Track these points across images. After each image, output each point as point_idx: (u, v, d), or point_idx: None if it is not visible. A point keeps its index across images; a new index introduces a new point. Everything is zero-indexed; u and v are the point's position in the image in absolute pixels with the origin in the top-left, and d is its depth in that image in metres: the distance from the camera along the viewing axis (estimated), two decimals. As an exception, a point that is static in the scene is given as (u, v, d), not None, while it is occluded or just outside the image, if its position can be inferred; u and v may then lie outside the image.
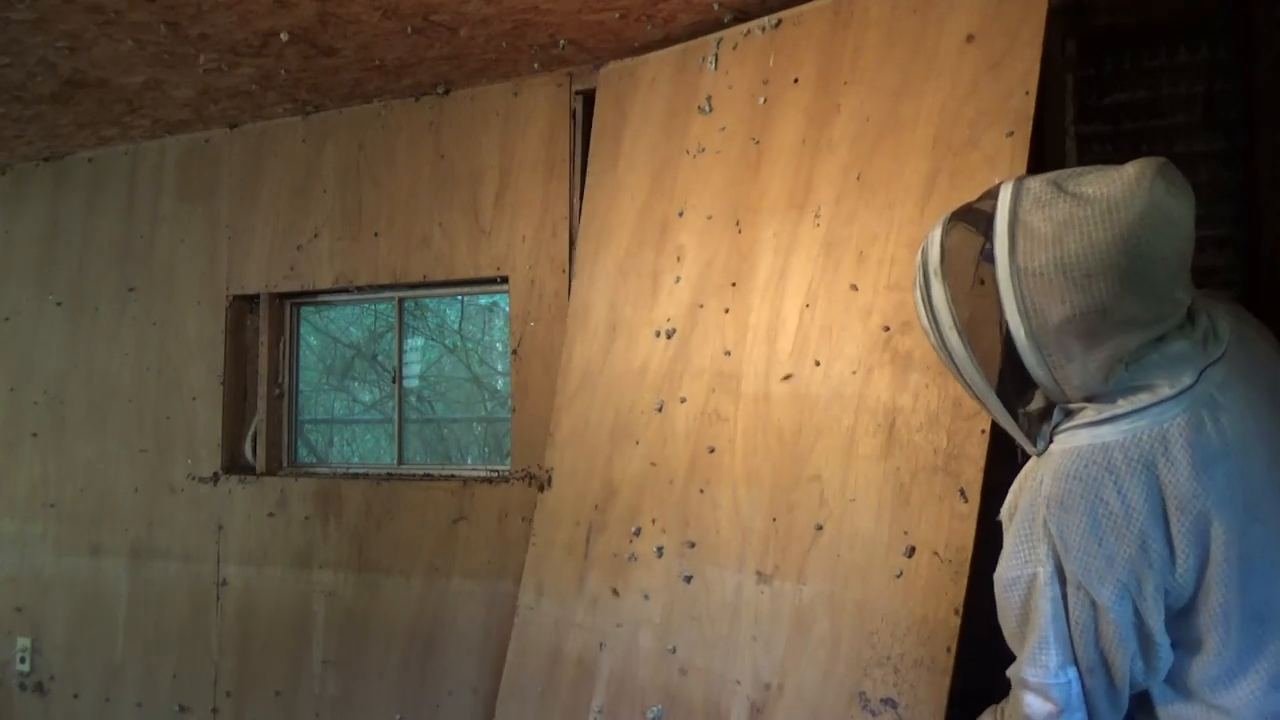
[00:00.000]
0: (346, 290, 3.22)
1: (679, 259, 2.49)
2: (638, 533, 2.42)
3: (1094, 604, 1.22)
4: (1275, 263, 2.39)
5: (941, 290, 1.31)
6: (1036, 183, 1.25)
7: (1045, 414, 1.32)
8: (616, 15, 2.46)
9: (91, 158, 3.61)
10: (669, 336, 2.47)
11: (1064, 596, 1.24)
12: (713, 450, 2.31)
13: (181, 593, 3.32)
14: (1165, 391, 1.21)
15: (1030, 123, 1.83)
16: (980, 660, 1.82)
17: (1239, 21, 2.46)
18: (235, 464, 3.33)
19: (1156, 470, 1.20)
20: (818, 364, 2.12)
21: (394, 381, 3.39)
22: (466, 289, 3.21)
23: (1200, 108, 2.51)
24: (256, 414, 3.35)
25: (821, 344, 2.12)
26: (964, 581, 1.75)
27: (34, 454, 3.62)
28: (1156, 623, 1.22)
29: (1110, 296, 1.17)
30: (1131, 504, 1.20)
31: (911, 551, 1.85)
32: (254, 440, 3.34)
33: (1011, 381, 1.30)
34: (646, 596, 2.36)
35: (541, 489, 2.70)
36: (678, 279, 2.48)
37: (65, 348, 3.60)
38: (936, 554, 1.81)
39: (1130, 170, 1.20)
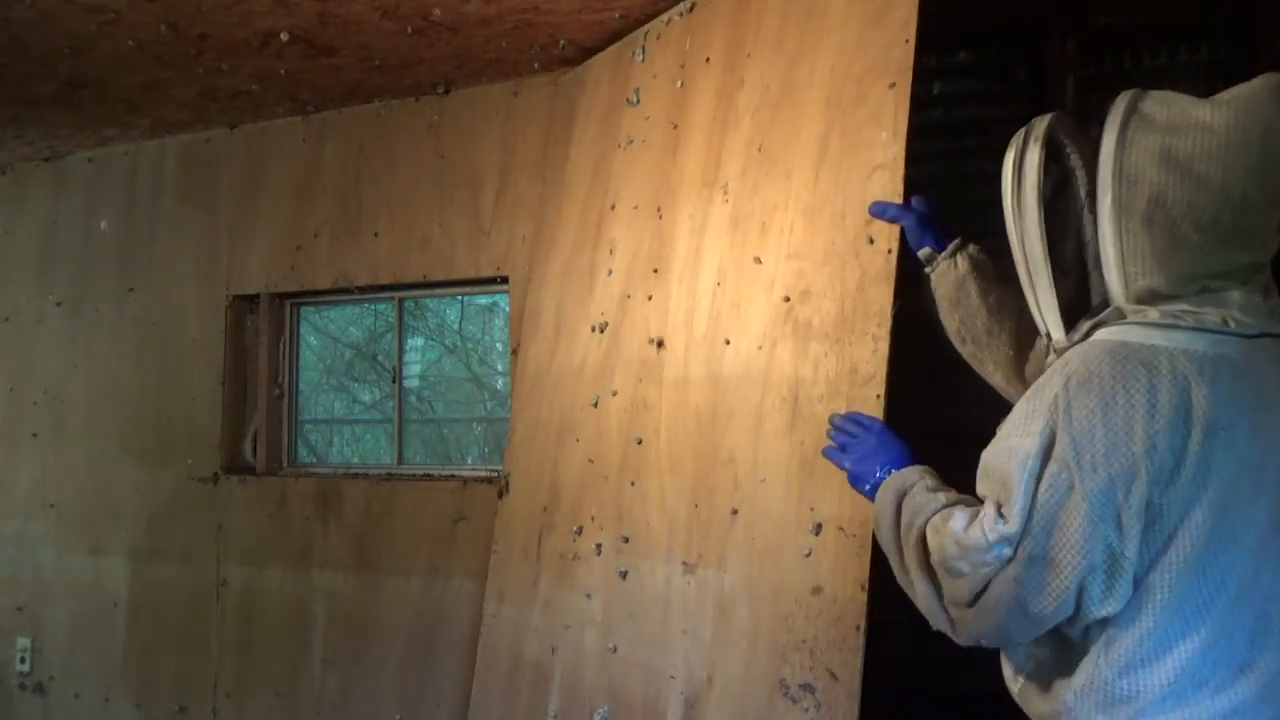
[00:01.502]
0: (346, 290, 3.22)
1: (611, 252, 2.45)
2: (579, 532, 2.38)
3: (1071, 489, 1.13)
4: (1276, 262, 2.39)
5: (1037, 154, 1.34)
6: (1158, 92, 1.29)
7: (1091, 313, 1.27)
8: (616, 15, 2.46)
9: (91, 158, 3.61)
10: (602, 331, 2.42)
11: (1039, 476, 1.16)
12: (640, 441, 2.23)
13: (181, 593, 3.31)
14: (1232, 325, 1.17)
15: (910, 72, 1.75)
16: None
17: (1239, 21, 2.46)
18: (235, 464, 3.33)
19: (1192, 390, 1.13)
20: (728, 342, 2.04)
21: (394, 381, 3.39)
22: (466, 289, 3.21)
23: (1200, 108, 2.50)
24: (256, 414, 3.35)
25: (731, 322, 2.05)
26: (868, 556, 1.65)
27: (34, 454, 3.62)
28: (1131, 539, 1.12)
29: (1206, 195, 1.16)
30: (1158, 406, 1.12)
31: (819, 529, 1.76)
32: (254, 440, 3.34)
33: (1072, 276, 1.31)
34: (589, 596, 2.31)
35: (500, 495, 2.70)
36: (610, 272, 2.44)
37: (65, 348, 3.60)
38: (841, 529, 1.72)
39: (1256, 83, 1.22)
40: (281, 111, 3.22)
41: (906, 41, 1.77)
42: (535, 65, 2.82)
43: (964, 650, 1.32)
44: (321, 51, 2.68)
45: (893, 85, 1.78)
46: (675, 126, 2.32)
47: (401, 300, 3.33)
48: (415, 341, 7.92)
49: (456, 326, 7.83)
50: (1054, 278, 1.29)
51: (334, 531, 3.10)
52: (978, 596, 1.20)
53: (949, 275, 1.61)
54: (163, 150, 3.49)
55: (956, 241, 1.62)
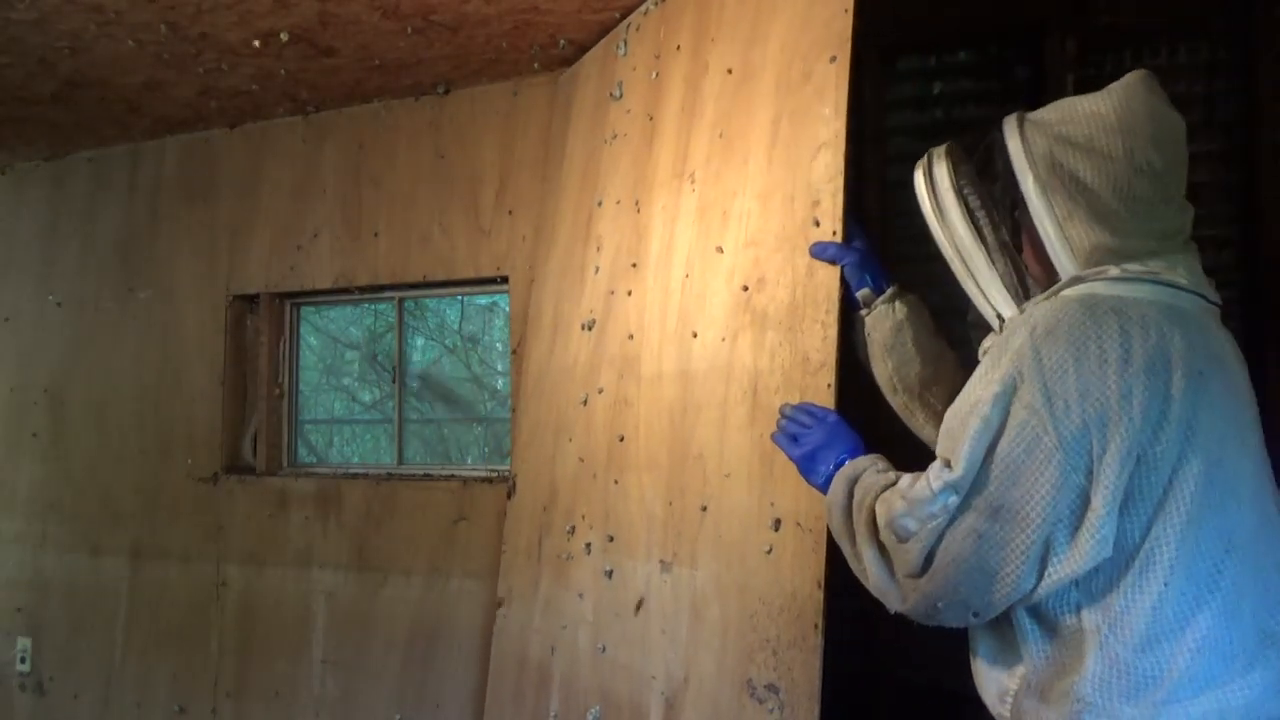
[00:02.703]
0: (346, 290, 3.22)
1: (598, 249, 2.43)
2: (572, 531, 2.37)
3: (1040, 437, 1.08)
4: (1275, 263, 2.39)
5: (945, 164, 1.42)
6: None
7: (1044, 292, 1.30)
8: (617, 15, 2.46)
9: (91, 158, 3.61)
10: (590, 329, 2.40)
11: (999, 426, 1.11)
12: (622, 439, 2.20)
13: (181, 593, 3.31)
14: (1183, 281, 1.21)
15: (849, 44, 1.69)
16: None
17: (1239, 21, 2.46)
18: (235, 464, 3.33)
19: (1168, 336, 1.12)
20: (695, 335, 2.00)
21: (394, 381, 3.39)
22: (466, 289, 3.21)
23: (1200, 108, 2.51)
24: (256, 414, 3.35)
25: (698, 314, 2.00)
26: (824, 553, 1.60)
27: (34, 454, 3.62)
28: (1101, 490, 1.06)
29: (1115, 165, 1.23)
30: (1132, 352, 1.09)
31: (778, 524, 1.71)
32: (254, 440, 3.34)
33: (1000, 267, 1.38)
34: (581, 596, 2.30)
35: (509, 495, 2.70)
36: (596, 269, 2.42)
37: (65, 348, 3.60)
38: (799, 524, 1.67)
39: (1128, 77, 1.31)
40: (281, 111, 3.22)
41: (846, 11, 1.71)
42: (535, 65, 2.82)
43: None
44: (321, 51, 2.68)
45: (834, 59, 1.71)
46: (651, 118, 2.30)
47: (401, 300, 3.33)
48: (415, 341, 7.92)
49: (456, 326, 7.84)
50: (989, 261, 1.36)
51: (334, 531, 3.10)
52: (929, 559, 1.14)
53: (886, 320, 1.58)
54: (163, 150, 3.48)
55: (895, 287, 1.60)
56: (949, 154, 1.45)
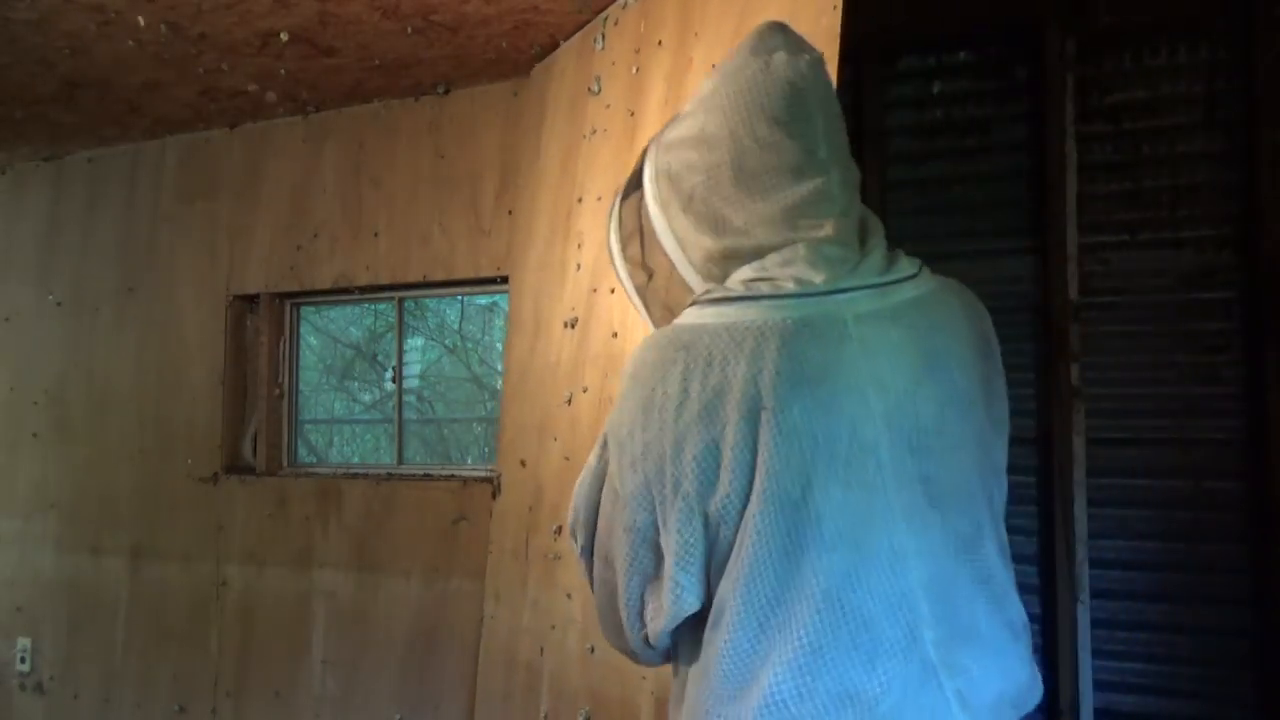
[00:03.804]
0: (346, 290, 3.22)
1: (580, 246, 2.42)
2: (558, 531, 2.36)
3: (618, 490, 1.03)
4: (1275, 263, 2.39)
5: (615, 202, 1.22)
6: None
7: None
8: (616, 15, 2.46)
9: (91, 158, 3.61)
10: (573, 327, 2.40)
11: (602, 474, 1.07)
12: None
13: (181, 593, 3.31)
14: (788, 286, 1.00)
15: (837, 40, 1.66)
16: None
17: (1239, 21, 2.46)
18: (235, 464, 3.33)
19: (730, 367, 0.97)
20: None
21: (394, 381, 3.39)
22: (466, 289, 3.21)
23: (1200, 108, 2.51)
24: (256, 414, 3.35)
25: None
26: None
27: (34, 454, 3.62)
28: (673, 548, 0.98)
29: (715, 152, 1.05)
30: (688, 397, 0.97)
31: None
32: (254, 440, 3.34)
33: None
34: (569, 595, 2.30)
35: (494, 495, 2.69)
36: (578, 266, 2.41)
37: (65, 348, 3.60)
38: None
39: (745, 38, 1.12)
40: (281, 111, 3.22)
41: (835, 8, 1.69)
42: (536, 65, 2.82)
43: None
44: (321, 51, 2.68)
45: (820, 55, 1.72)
46: (632, 113, 2.29)
47: (401, 300, 3.33)
48: (415, 341, 7.91)
49: (456, 326, 7.83)
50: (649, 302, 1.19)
51: (334, 531, 3.10)
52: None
53: None
54: (163, 150, 3.48)
55: None
56: (620, 206, 1.22)
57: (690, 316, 1.03)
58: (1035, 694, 1.05)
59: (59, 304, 3.62)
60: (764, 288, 1.01)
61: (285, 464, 3.35)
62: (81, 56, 2.66)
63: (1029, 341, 2.63)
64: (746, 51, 1.08)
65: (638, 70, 2.29)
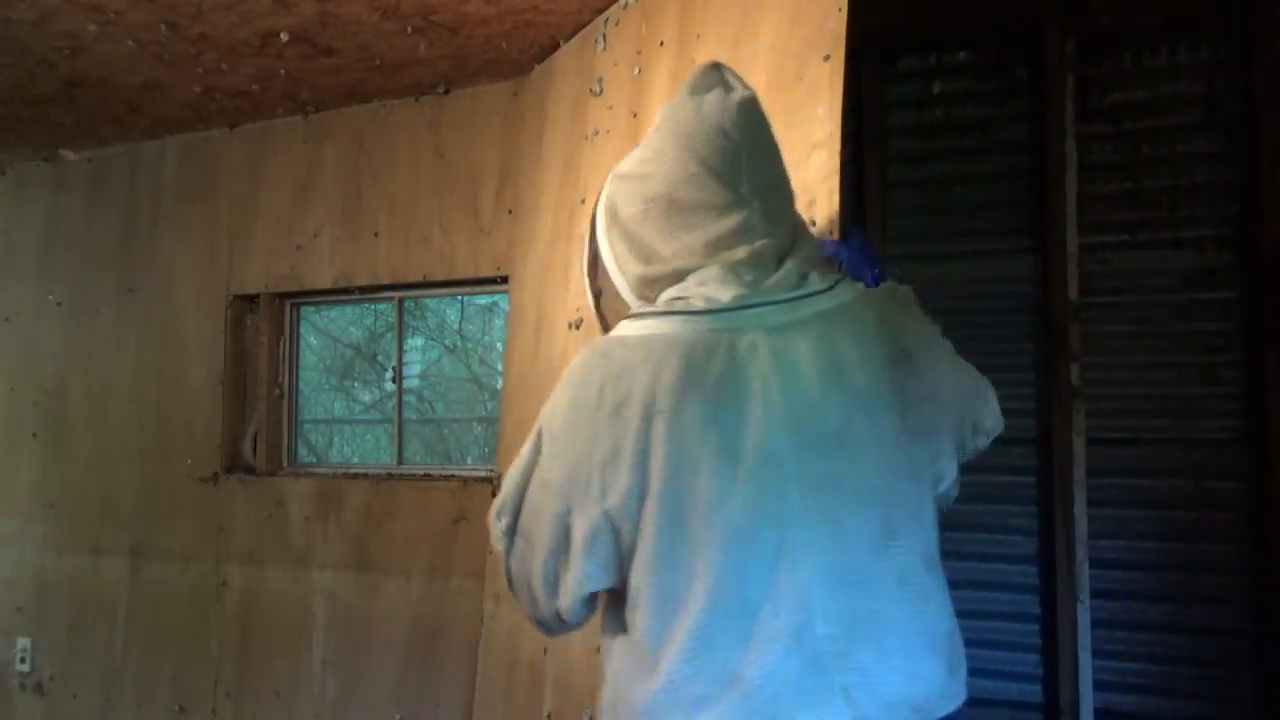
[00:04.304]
0: (346, 290, 3.22)
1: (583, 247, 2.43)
2: None
3: (546, 480, 1.12)
4: (1275, 263, 2.39)
5: (589, 225, 1.33)
6: None
7: None
8: (616, 15, 2.46)
9: (91, 158, 3.61)
10: (577, 328, 2.39)
11: (533, 461, 1.16)
12: None
13: (181, 593, 3.31)
14: (698, 304, 1.09)
15: (843, 43, 1.66)
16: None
17: (1239, 21, 2.46)
18: (235, 464, 3.33)
19: (633, 375, 1.07)
20: None
21: (394, 381, 3.39)
22: (466, 289, 3.21)
23: (1200, 108, 2.51)
24: (256, 414, 3.35)
25: None
26: None
27: (34, 454, 3.62)
28: (580, 537, 1.08)
29: (651, 185, 1.15)
30: (603, 400, 1.07)
31: None
32: (254, 440, 3.34)
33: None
34: None
35: (494, 496, 2.69)
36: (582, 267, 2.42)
37: (65, 348, 3.60)
38: None
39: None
40: (281, 111, 3.22)
41: (840, 10, 1.68)
42: (535, 65, 2.82)
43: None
44: (321, 51, 2.68)
45: (827, 58, 1.69)
46: (635, 115, 2.28)
47: (401, 300, 3.33)
48: (415, 341, 7.91)
49: (456, 326, 7.83)
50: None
51: (334, 531, 3.10)
52: (507, 574, 1.24)
53: None
54: (163, 150, 3.48)
55: (891, 281, 1.54)
56: (590, 229, 1.33)
57: (618, 330, 1.15)
58: (949, 702, 1.07)
59: (59, 304, 3.62)
60: (679, 305, 1.11)
61: (285, 464, 3.35)
62: (81, 56, 2.66)
63: (1029, 341, 2.63)
64: (685, 91, 1.19)
65: (640, 71, 2.29)
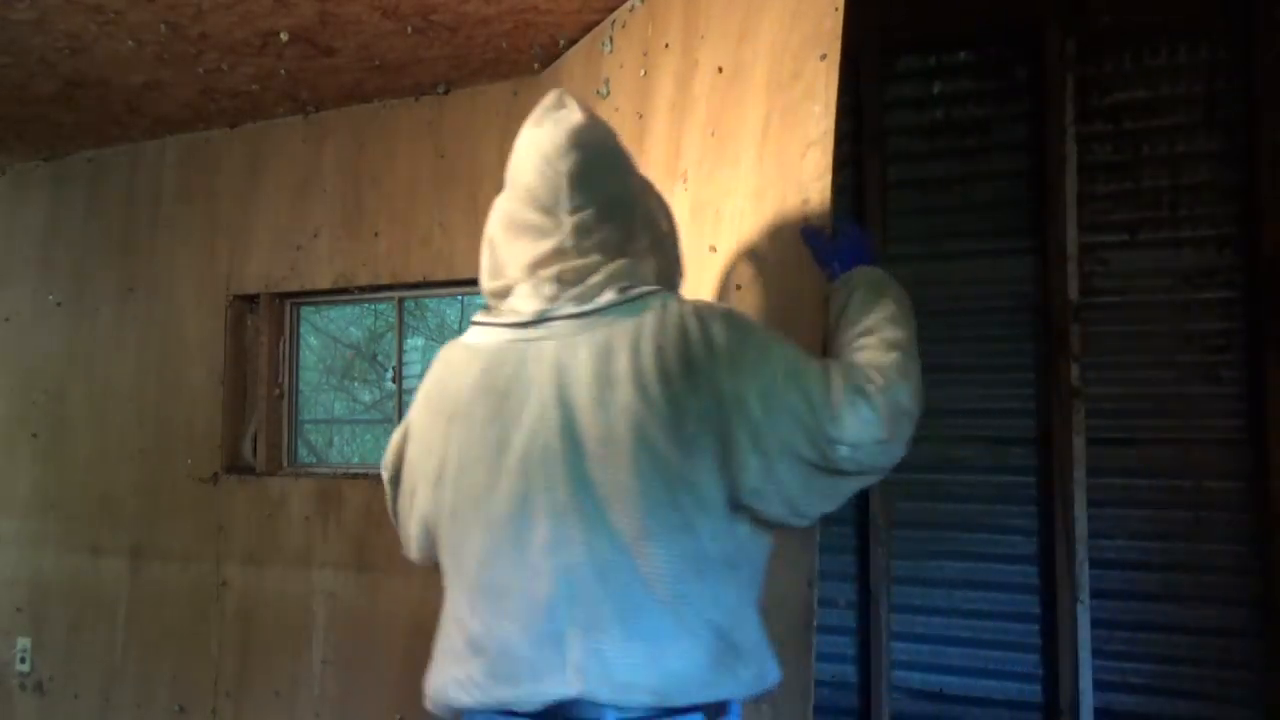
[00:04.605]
0: (346, 290, 3.22)
1: None
2: None
3: (404, 448, 1.41)
4: (1275, 263, 2.39)
5: None
6: None
7: None
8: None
9: (91, 158, 3.61)
10: None
11: (406, 432, 1.41)
12: None
13: (181, 593, 3.31)
14: (506, 318, 1.26)
15: (839, 41, 1.68)
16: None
17: (1239, 21, 2.46)
18: (235, 464, 3.33)
19: (435, 380, 1.32)
20: None
21: (394, 381, 3.39)
22: (466, 289, 3.21)
23: (1200, 108, 2.51)
24: (256, 414, 3.35)
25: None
26: (815, 550, 1.60)
27: (34, 454, 3.62)
28: (408, 506, 1.38)
29: (507, 202, 1.35)
30: (434, 397, 1.31)
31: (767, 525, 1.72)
32: (254, 440, 3.34)
33: None
34: None
35: None
36: None
37: (65, 348, 3.60)
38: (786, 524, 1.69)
39: None
40: (281, 111, 3.22)
41: (836, 10, 1.70)
42: (535, 65, 2.82)
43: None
44: (321, 51, 2.68)
45: (823, 56, 1.71)
46: (640, 116, 2.28)
47: (401, 300, 3.33)
48: (415, 341, 7.92)
49: (456, 326, 7.84)
50: None
51: (334, 531, 3.10)
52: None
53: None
54: (163, 150, 3.48)
55: None
56: None
57: (463, 335, 1.34)
58: (706, 691, 1.17)
59: (59, 304, 3.62)
60: (491, 317, 1.29)
61: (285, 464, 3.35)
62: (81, 56, 2.66)
63: (1029, 341, 2.63)
64: (530, 121, 1.34)
65: (645, 73, 2.29)
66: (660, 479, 1.14)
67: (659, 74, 2.24)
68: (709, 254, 1.96)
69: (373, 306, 6.31)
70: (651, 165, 2.22)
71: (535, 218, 1.27)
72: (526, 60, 2.78)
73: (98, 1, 2.32)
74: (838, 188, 1.69)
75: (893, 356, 1.23)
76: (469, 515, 1.21)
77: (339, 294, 3.31)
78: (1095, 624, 2.51)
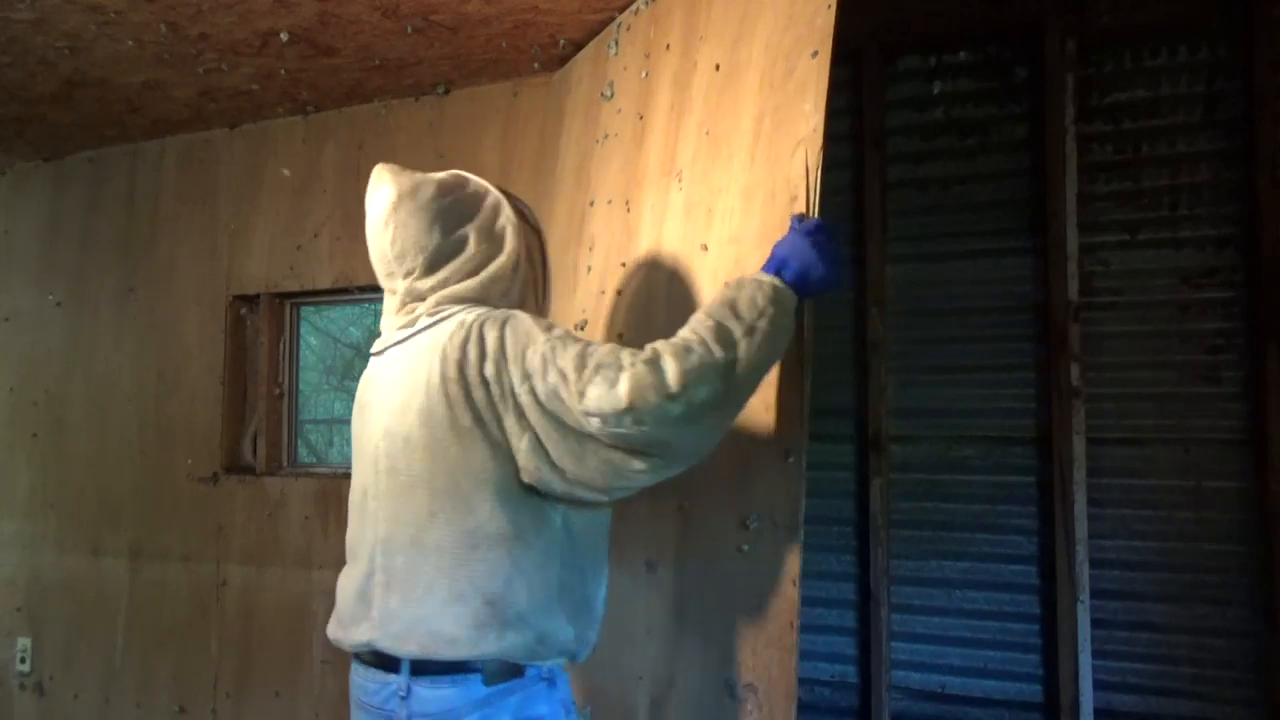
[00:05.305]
0: (346, 290, 3.22)
1: (590, 249, 2.41)
2: None
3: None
4: (1275, 263, 2.40)
5: None
6: None
7: None
8: (615, 15, 2.46)
9: (91, 158, 3.61)
10: (581, 329, 2.38)
11: None
12: None
13: (181, 593, 3.32)
14: (377, 347, 1.61)
15: (831, 39, 1.69)
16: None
17: (1239, 21, 2.46)
18: (235, 464, 3.33)
19: (361, 381, 1.65)
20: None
21: (394, 381, 3.39)
22: (466, 289, 3.20)
23: (1200, 108, 2.51)
24: (256, 414, 3.35)
25: (682, 313, 1.96)
26: (798, 550, 1.63)
27: (34, 454, 3.62)
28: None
29: (372, 253, 1.63)
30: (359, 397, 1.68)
31: (752, 521, 1.72)
32: (254, 440, 3.34)
33: None
34: None
35: None
36: (589, 269, 2.40)
37: (65, 348, 3.60)
38: (774, 522, 1.68)
39: None
40: (281, 111, 3.22)
41: (829, 7, 1.72)
42: (535, 65, 2.82)
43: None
44: (321, 51, 2.68)
45: (815, 54, 1.72)
46: (641, 117, 2.29)
47: (401, 300, 3.33)
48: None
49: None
50: None
51: (334, 531, 3.10)
52: None
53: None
54: (162, 150, 3.49)
55: None
56: None
57: None
58: (466, 649, 1.39)
59: (59, 304, 3.62)
60: (376, 344, 1.63)
61: (285, 464, 3.35)
62: (81, 56, 2.66)
63: (1029, 341, 2.63)
64: (367, 196, 1.63)
65: (647, 75, 2.30)
66: (443, 467, 1.41)
67: (660, 75, 2.25)
68: (701, 253, 1.97)
69: (373, 306, 6.29)
70: (649, 165, 2.23)
71: (384, 279, 1.60)
72: (526, 60, 2.78)
73: (98, 1, 2.32)
74: (831, 187, 1.69)
75: (674, 343, 1.37)
76: (352, 497, 1.62)
77: (339, 294, 3.31)
78: (1095, 624, 2.51)
